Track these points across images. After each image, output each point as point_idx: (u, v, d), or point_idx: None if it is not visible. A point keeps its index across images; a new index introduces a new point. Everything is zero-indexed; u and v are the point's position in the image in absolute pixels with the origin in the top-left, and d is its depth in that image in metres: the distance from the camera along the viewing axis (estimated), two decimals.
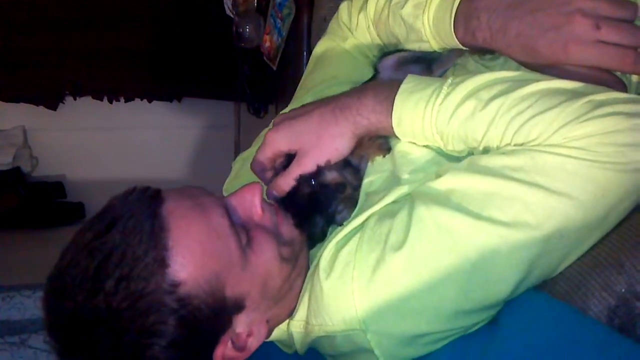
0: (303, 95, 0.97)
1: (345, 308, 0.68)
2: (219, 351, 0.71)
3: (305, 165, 0.74)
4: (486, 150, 0.65)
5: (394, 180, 0.73)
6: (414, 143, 0.72)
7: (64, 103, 2.43)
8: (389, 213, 0.69)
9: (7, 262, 1.99)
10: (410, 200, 0.68)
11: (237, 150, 2.50)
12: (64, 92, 2.41)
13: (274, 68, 1.81)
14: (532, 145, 0.61)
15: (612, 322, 0.61)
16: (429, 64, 0.82)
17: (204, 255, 0.67)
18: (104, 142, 2.54)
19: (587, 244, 0.64)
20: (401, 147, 0.74)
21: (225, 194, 0.79)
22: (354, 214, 0.74)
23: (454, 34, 0.72)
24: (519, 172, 0.61)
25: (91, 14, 2.30)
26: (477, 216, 0.62)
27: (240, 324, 0.71)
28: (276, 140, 0.76)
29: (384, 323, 0.66)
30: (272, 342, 0.81)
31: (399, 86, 0.70)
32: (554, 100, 0.61)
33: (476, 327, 0.68)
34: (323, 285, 0.69)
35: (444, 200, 0.64)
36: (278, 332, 0.78)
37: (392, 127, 0.70)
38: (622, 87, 0.65)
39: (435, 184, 0.66)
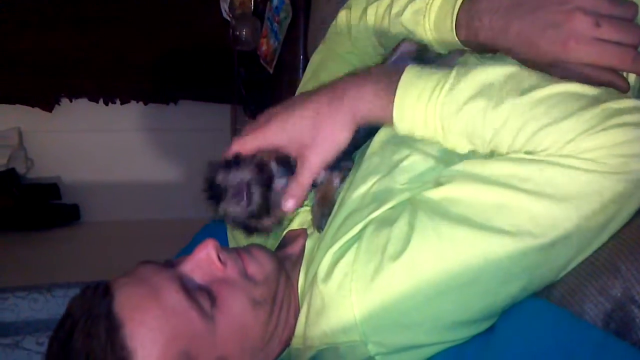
0: None
1: (346, 319, 0.67)
2: None
3: (315, 165, 0.71)
4: (492, 153, 0.65)
5: (386, 191, 0.71)
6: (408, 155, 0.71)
7: (59, 105, 2.43)
8: (387, 221, 0.67)
9: (1, 263, 1.98)
10: (409, 209, 0.67)
11: None
12: (59, 93, 2.41)
13: (271, 71, 1.81)
14: (544, 155, 0.61)
15: (608, 326, 0.61)
16: (430, 64, 0.82)
17: (166, 339, 0.65)
18: (99, 144, 2.54)
19: (587, 252, 0.64)
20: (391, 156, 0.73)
21: None
22: (348, 226, 0.72)
23: (456, 36, 0.72)
24: (527, 183, 0.60)
25: (88, 16, 2.30)
26: (481, 227, 0.61)
27: None
28: (269, 132, 0.72)
29: (384, 334, 0.66)
30: None
31: (399, 75, 0.68)
32: (567, 108, 0.60)
33: None
34: (323, 293, 0.69)
35: (446, 211, 0.63)
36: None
37: (392, 117, 0.68)
38: (625, 83, 0.65)
39: (437, 193, 0.65)
